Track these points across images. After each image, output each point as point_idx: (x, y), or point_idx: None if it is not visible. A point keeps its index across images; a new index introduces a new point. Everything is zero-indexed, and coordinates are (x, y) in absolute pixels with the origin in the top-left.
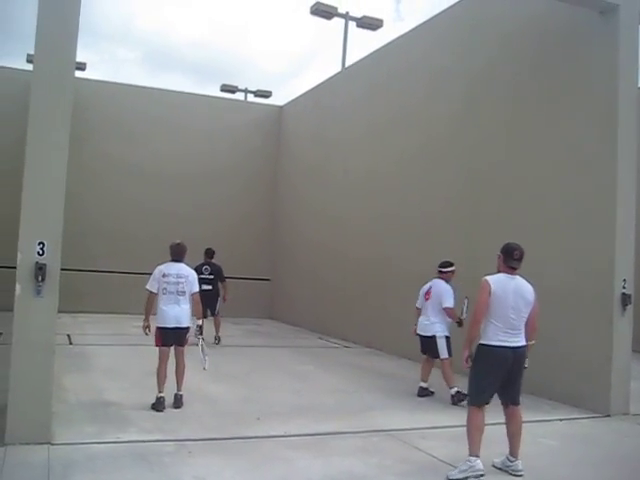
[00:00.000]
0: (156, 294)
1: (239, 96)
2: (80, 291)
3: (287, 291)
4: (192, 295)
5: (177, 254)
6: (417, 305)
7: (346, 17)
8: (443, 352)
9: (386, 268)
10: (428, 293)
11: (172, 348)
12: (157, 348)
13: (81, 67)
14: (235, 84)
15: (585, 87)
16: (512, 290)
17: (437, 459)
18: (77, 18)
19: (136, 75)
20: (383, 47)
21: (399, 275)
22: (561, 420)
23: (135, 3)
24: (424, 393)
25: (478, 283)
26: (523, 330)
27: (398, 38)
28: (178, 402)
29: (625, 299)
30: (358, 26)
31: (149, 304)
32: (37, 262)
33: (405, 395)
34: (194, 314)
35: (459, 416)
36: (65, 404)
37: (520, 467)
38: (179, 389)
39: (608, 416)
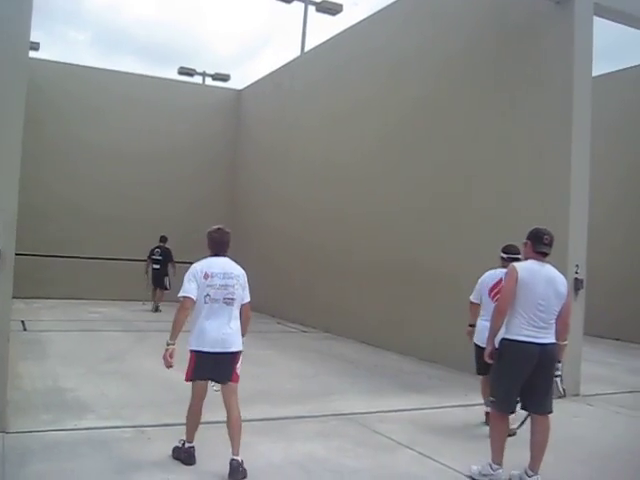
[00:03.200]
0: (195, 301)
1: (197, 79)
2: (34, 277)
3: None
4: (243, 306)
5: (219, 245)
6: (473, 299)
7: (305, 1)
8: None
9: (345, 254)
10: (498, 290)
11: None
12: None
13: (34, 47)
14: (189, 66)
15: (542, 77)
16: (543, 278)
17: (395, 442)
18: None
19: (87, 57)
20: (343, 32)
21: (357, 261)
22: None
23: None
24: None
25: (436, 279)
26: (553, 326)
27: (358, 23)
28: (236, 473)
29: (578, 284)
30: (317, 10)
31: (182, 316)
32: None
33: (363, 379)
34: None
35: (416, 400)
36: (20, 391)
37: None
38: (235, 452)
39: (560, 397)
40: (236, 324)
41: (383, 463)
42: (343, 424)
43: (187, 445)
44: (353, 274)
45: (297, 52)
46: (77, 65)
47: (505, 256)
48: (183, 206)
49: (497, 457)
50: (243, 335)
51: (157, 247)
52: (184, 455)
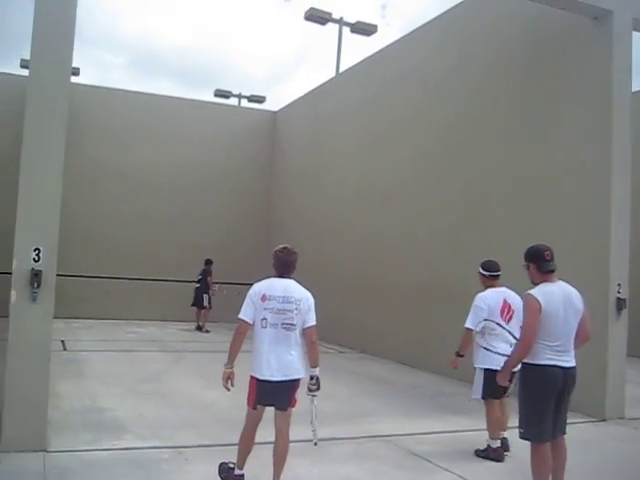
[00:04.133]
0: (251, 325)
1: (233, 101)
2: (73, 297)
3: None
4: (305, 330)
5: (284, 266)
6: (471, 326)
7: (340, 23)
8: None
9: (379, 274)
10: (508, 309)
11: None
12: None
13: (75, 72)
14: (225, 89)
15: (580, 93)
16: (561, 302)
17: (434, 464)
18: (73, 22)
19: (123, 81)
20: (377, 53)
21: (392, 281)
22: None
23: (119, 9)
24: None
25: (469, 297)
26: (572, 349)
27: (391, 44)
28: None
29: (620, 304)
30: (352, 32)
31: (237, 339)
32: (33, 268)
33: (400, 400)
34: (309, 360)
35: (455, 422)
36: (59, 411)
37: None
38: (277, 478)
39: (604, 420)
40: (297, 350)
41: None
42: (379, 446)
43: (237, 472)
44: (388, 294)
45: (331, 73)
46: (111, 88)
47: (487, 274)
48: (218, 229)
49: None
50: (314, 362)
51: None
52: None
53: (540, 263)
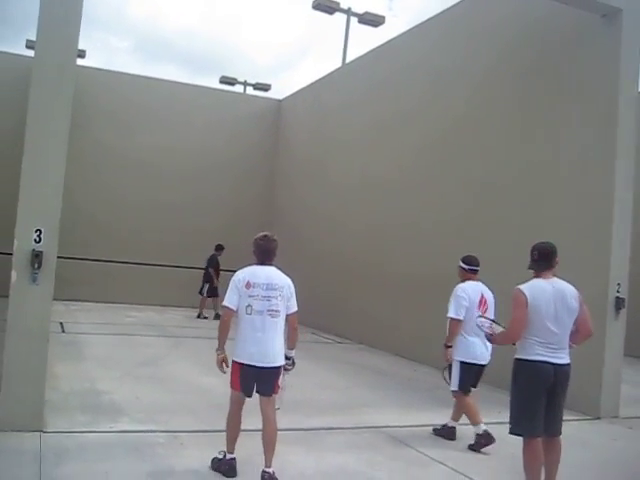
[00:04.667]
0: (235, 311)
1: (238, 88)
2: (73, 279)
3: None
4: (289, 317)
5: (265, 253)
6: (460, 317)
7: (348, 13)
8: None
9: (380, 266)
10: (484, 303)
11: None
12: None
13: (81, 55)
14: (230, 75)
15: (586, 90)
16: (552, 298)
17: (428, 457)
18: (81, 3)
19: (128, 64)
20: (384, 44)
21: (392, 273)
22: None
23: None
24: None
25: None
26: (567, 346)
27: (398, 36)
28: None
29: (619, 303)
30: (360, 22)
31: (225, 326)
32: (34, 249)
33: (396, 392)
34: (287, 342)
35: (448, 415)
36: (57, 392)
37: None
38: (268, 463)
39: (598, 419)
40: (281, 337)
41: (415, 478)
42: (375, 437)
43: (228, 457)
44: (388, 286)
45: (337, 62)
46: (117, 72)
47: (466, 267)
48: (221, 216)
49: None
50: (292, 345)
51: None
52: (225, 467)
53: (540, 258)
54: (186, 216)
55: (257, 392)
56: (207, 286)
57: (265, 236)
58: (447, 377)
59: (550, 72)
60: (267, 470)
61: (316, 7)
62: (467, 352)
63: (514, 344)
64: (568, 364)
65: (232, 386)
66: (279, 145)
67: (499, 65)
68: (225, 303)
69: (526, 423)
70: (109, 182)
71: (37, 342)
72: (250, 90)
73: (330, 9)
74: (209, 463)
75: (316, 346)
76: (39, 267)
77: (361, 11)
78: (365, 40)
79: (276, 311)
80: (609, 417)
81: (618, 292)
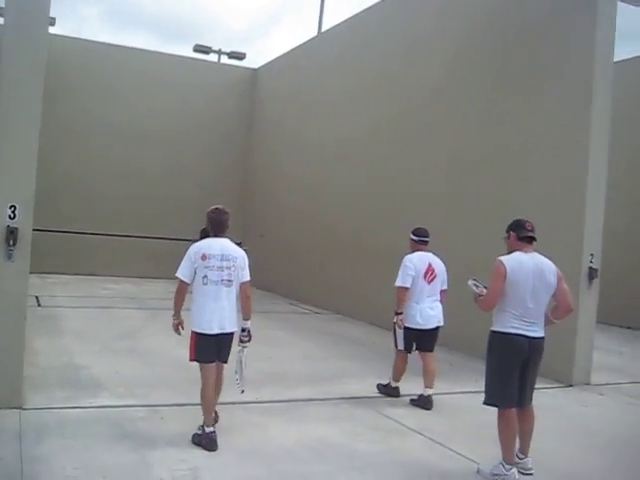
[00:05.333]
0: (190, 284)
1: (212, 57)
2: (49, 251)
3: (259, 256)
4: (242, 285)
5: (218, 226)
6: (407, 285)
7: None
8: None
9: (358, 236)
10: (431, 273)
11: None
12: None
13: (51, 22)
14: (203, 42)
15: (560, 66)
16: (531, 271)
17: (406, 427)
18: None
19: (99, 32)
20: (360, 13)
21: (370, 243)
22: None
23: None
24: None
25: (452, 260)
26: (542, 320)
27: (375, 5)
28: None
29: (592, 273)
30: None
31: (180, 297)
32: (8, 226)
33: (375, 362)
34: (242, 313)
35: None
36: (36, 368)
37: (530, 465)
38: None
39: (571, 386)
40: (235, 305)
41: (394, 448)
42: (355, 407)
43: (207, 430)
44: (366, 256)
45: (312, 30)
46: (91, 41)
47: (416, 238)
48: (196, 184)
49: (509, 456)
50: (247, 315)
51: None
52: (205, 441)
53: (519, 230)
54: (163, 184)
55: (219, 360)
56: None
57: (217, 209)
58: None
59: (529, 44)
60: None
61: None
62: (410, 318)
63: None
64: (542, 337)
65: (191, 357)
66: (255, 113)
67: (476, 35)
68: (179, 275)
69: (500, 394)
70: (85, 151)
71: (14, 319)
72: (225, 59)
73: None
74: (190, 437)
75: (294, 317)
76: (14, 244)
77: None
78: (341, 8)
79: (230, 280)
80: (581, 384)
81: (591, 262)
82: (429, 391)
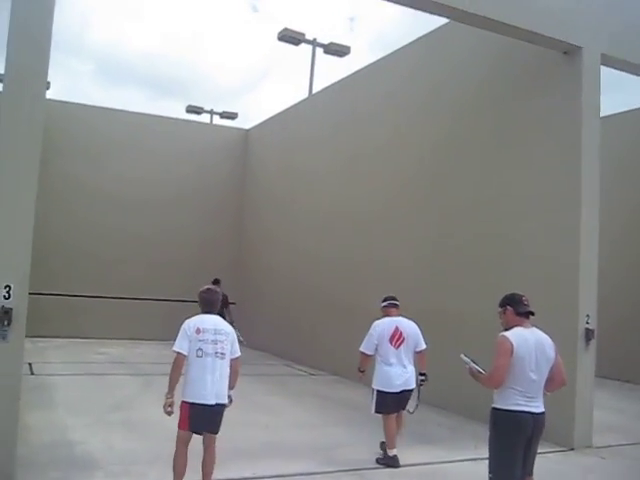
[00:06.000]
0: (186, 357)
1: (205, 117)
2: (40, 315)
3: (253, 316)
4: (232, 361)
5: (209, 304)
6: (368, 352)
7: (314, 44)
8: (410, 403)
9: (352, 297)
10: (399, 337)
11: None
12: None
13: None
14: (192, 98)
15: (553, 121)
16: (533, 347)
17: None
18: (49, 35)
19: (91, 88)
20: (350, 75)
21: (364, 307)
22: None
23: (87, 15)
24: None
25: (443, 322)
26: (542, 394)
27: (366, 67)
28: None
29: (589, 334)
30: (325, 52)
31: (176, 371)
32: (3, 306)
33: (371, 428)
34: (230, 383)
35: (426, 452)
36: (28, 446)
37: None
38: None
39: (572, 449)
40: (226, 377)
41: None
42: None
43: None
44: (359, 318)
45: (303, 86)
46: (81, 104)
47: (385, 303)
48: (190, 248)
49: None
50: (232, 387)
51: None
52: None
53: (517, 306)
54: (154, 248)
55: (208, 432)
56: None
57: (209, 289)
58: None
59: (518, 104)
60: None
61: (281, 38)
62: (381, 381)
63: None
64: (544, 412)
65: (180, 426)
66: (247, 176)
67: (468, 97)
68: (177, 349)
69: (506, 474)
70: (76, 215)
71: (7, 402)
72: (217, 119)
73: (295, 40)
74: None
75: (289, 379)
76: (9, 324)
77: (326, 41)
78: (331, 69)
79: (223, 354)
80: (582, 447)
81: (587, 323)
82: (394, 452)
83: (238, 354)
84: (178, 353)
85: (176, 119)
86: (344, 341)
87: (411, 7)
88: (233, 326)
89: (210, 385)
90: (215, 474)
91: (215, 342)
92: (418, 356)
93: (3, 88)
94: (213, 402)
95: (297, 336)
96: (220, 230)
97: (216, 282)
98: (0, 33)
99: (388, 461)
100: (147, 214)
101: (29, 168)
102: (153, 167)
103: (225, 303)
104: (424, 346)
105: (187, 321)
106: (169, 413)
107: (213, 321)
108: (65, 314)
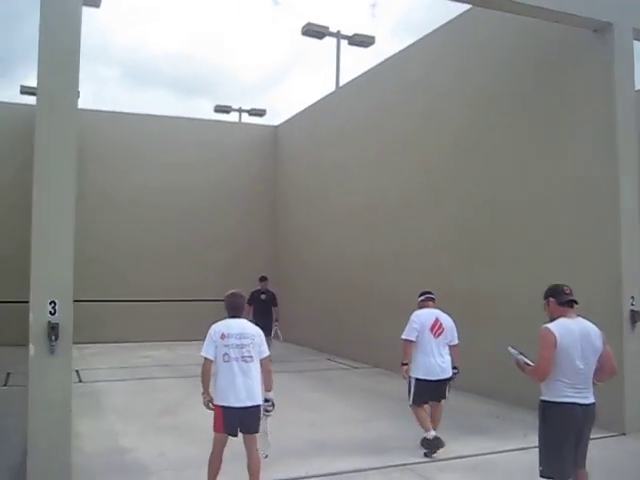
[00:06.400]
0: (213, 361)
1: (233, 116)
2: (84, 321)
3: (293, 312)
4: (262, 361)
5: (235, 308)
6: (412, 338)
7: (338, 36)
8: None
9: (392, 290)
10: (439, 327)
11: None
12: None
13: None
14: (218, 95)
15: (584, 103)
16: (578, 337)
17: None
18: (78, 45)
19: (117, 93)
20: (377, 66)
21: (404, 297)
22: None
23: (109, 20)
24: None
25: (476, 315)
26: (591, 385)
27: (392, 57)
28: None
29: (634, 315)
30: (350, 44)
31: (206, 374)
32: (49, 322)
33: (414, 421)
34: (264, 385)
35: (475, 443)
36: (82, 454)
37: None
38: None
39: (623, 434)
40: (256, 379)
41: None
42: (404, 475)
43: None
44: (399, 308)
45: (329, 79)
46: (109, 112)
47: (422, 297)
48: (228, 249)
49: None
50: (269, 387)
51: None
52: None
53: (559, 296)
54: (192, 252)
55: (241, 432)
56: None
57: (233, 294)
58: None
59: (547, 88)
60: None
61: (305, 33)
62: (422, 369)
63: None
64: (594, 403)
65: (215, 429)
66: (278, 173)
67: (496, 80)
68: (203, 354)
69: (557, 466)
70: (114, 222)
71: (60, 413)
72: (245, 117)
73: (319, 34)
74: None
75: (331, 373)
76: (56, 339)
77: (349, 32)
78: (356, 58)
79: (249, 357)
80: (635, 432)
81: (632, 305)
82: (432, 433)
83: (267, 354)
84: (205, 358)
85: (205, 120)
86: (385, 332)
87: None
88: (275, 325)
89: (239, 388)
90: (264, 475)
91: (241, 346)
92: (452, 350)
93: (37, 104)
94: (243, 404)
95: (337, 329)
96: (255, 229)
97: (263, 279)
98: (30, 45)
99: (431, 444)
100: (182, 220)
101: (66, 183)
102: (187, 170)
103: (273, 301)
104: (457, 341)
105: (213, 326)
106: (209, 408)
107: (238, 325)
108: (109, 319)
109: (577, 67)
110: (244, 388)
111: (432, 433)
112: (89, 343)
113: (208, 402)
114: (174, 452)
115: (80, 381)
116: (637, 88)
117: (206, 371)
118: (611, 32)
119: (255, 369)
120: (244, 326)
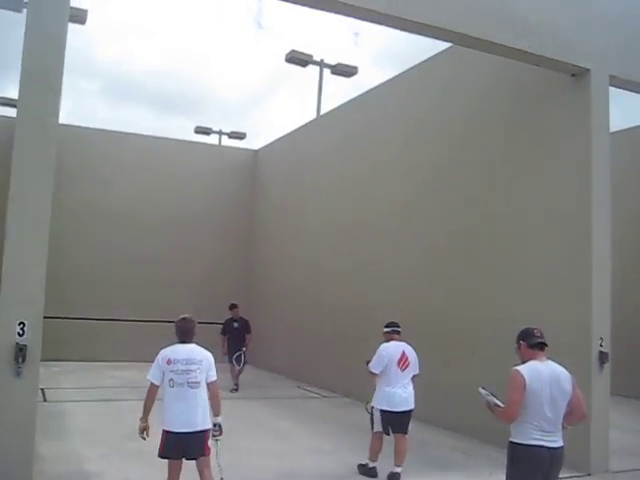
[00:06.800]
0: (159, 386)
1: (213, 138)
2: (52, 338)
3: (264, 337)
4: (209, 385)
5: (185, 333)
6: (377, 371)
7: (321, 65)
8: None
9: (364, 315)
10: (405, 361)
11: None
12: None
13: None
14: (203, 118)
15: (560, 143)
16: (548, 381)
17: None
18: (62, 59)
19: (97, 107)
20: (359, 96)
21: (377, 324)
22: None
23: (93, 33)
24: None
25: (443, 349)
26: (560, 429)
27: (374, 88)
28: None
29: (603, 357)
30: (333, 73)
31: (149, 399)
32: (17, 343)
33: (384, 453)
34: (212, 410)
35: (439, 479)
36: (43, 478)
37: None
38: None
39: (589, 475)
40: (203, 404)
41: None
42: None
43: None
44: (372, 337)
45: (311, 106)
46: (89, 128)
47: (388, 329)
48: (201, 269)
49: None
50: (217, 412)
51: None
52: None
53: (529, 338)
54: (165, 268)
55: (185, 457)
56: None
57: (184, 319)
58: (369, 410)
59: (524, 125)
60: None
61: (289, 60)
62: (386, 401)
63: None
64: (562, 447)
65: (159, 452)
66: (256, 196)
67: (476, 116)
68: (149, 378)
69: None
70: (86, 238)
71: (23, 437)
72: (225, 139)
73: (303, 62)
74: None
75: (301, 402)
76: (23, 361)
77: (332, 60)
78: (338, 85)
79: (196, 382)
80: (600, 472)
81: (601, 346)
82: (397, 469)
83: (214, 378)
84: (151, 383)
85: (185, 141)
86: (357, 362)
87: (416, 33)
88: (244, 352)
89: (183, 414)
90: None
91: (187, 372)
92: (412, 380)
93: (17, 118)
94: (183, 430)
95: (309, 357)
96: (230, 250)
97: (233, 307)
98: (11, 58)
99: (367, 471)
100: (157, 236)
101: (42, 201)
102: (163, 189)
103: (247, 329)
104: (418, 371)
105: (161, 351)
106: (143, 437)
107: (186, 351)
108: (77, 337)
109: (554, 108)
110: (185, 414)
111: (374, 465)
112: (56, 361)
113: (144, 429)
114: (139, 478)
115: (45, 400)
116: (612, 130)
117: (150, 395)
118: (588, 78)
119: (201, 395)
120: (192, 351)
